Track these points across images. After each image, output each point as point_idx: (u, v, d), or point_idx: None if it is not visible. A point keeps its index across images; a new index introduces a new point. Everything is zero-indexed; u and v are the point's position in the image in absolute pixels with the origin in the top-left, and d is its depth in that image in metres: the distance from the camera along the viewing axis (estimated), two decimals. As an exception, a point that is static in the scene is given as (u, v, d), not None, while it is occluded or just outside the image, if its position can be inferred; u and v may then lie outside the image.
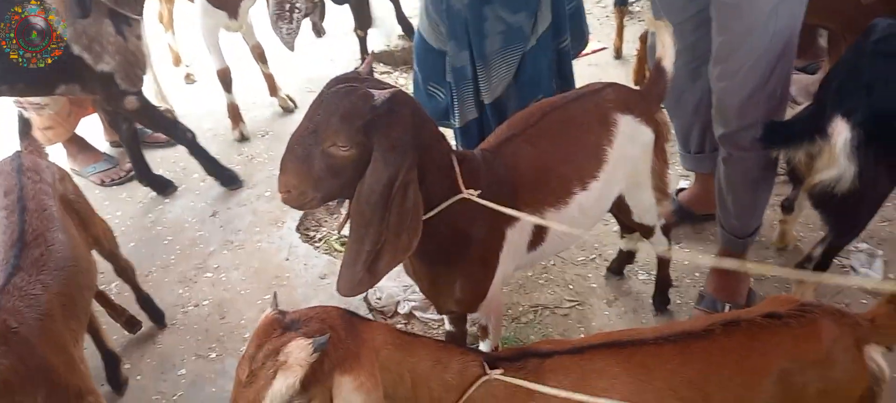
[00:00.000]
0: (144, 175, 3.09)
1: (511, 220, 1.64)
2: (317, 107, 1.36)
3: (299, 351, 1.01)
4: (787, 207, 2.37)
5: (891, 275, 2.34)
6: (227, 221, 2.96)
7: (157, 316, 2.42)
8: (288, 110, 3.72)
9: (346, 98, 1.33)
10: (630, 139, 1.81)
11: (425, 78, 2.32)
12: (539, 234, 1.74)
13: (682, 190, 2.74)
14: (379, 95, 1.33)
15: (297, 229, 2.87)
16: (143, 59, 2.74)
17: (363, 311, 2.44)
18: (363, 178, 1.35)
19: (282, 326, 1.07)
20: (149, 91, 3.69)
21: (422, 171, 1.40)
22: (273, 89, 3.70)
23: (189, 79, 4.06)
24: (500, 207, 1.47)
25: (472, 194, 1.47)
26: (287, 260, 2.72)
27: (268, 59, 3.63)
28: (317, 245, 2.81)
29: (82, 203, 2.04)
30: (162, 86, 3.67)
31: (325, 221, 2.95)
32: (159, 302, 2.45)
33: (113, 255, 2.20)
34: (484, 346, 1.87)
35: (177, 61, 4.11)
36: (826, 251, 2.00)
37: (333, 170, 1.35)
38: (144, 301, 2.39)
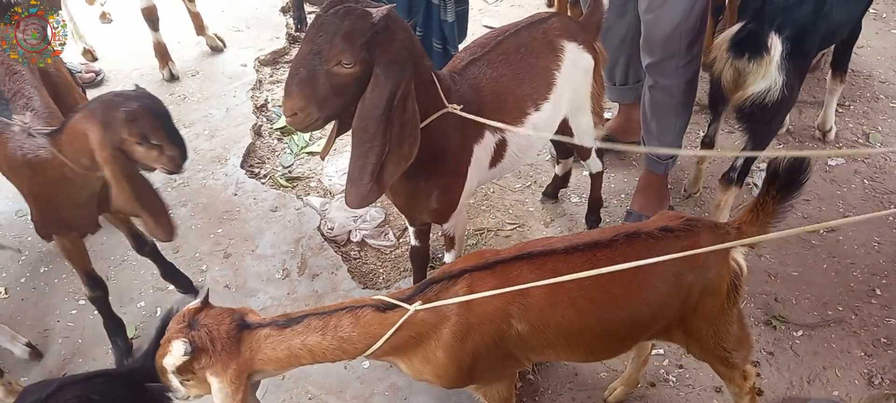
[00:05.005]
0: None
1: (477, 137, 1.81)
2: (317, 31, 1.45)
3: (176, 349, 1.37)
4: (708, 143, 2.55)
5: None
6: (166, 160, 2.93)
7: None
8: (216, 49, 3.65)
9: (346, 18, 1.43)
10: (574, 64, 2.01)
11: None
12: (499, 153, 1.92)
13: (606, 120, 2.99)
14: (376, 13, 1.44)
15: (242, 166, 2.91)
16: None
17: (318, 240, 2.55)
18: (364, 95, 1.46)
19: (188, 319, 1.40)
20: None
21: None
22: (200, 28, 3.62)
23: (105, 18, 3.89)
24: (485, 119, 1.63)
25: (455, 108, 1.62)
26: (235, 195, 2.76)
27: (193, -2, 3.54)
28: (263, 180, 2.87)
29: None
30: (78, 25, 3.52)
31: (268, 159, 3.00)
32: (108, 240, 2.44)
33: None
34: (449, 257, 2.04)
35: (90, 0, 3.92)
36: (747, 159, 2.30)
37: (337, 89, 1.45)
38: None
